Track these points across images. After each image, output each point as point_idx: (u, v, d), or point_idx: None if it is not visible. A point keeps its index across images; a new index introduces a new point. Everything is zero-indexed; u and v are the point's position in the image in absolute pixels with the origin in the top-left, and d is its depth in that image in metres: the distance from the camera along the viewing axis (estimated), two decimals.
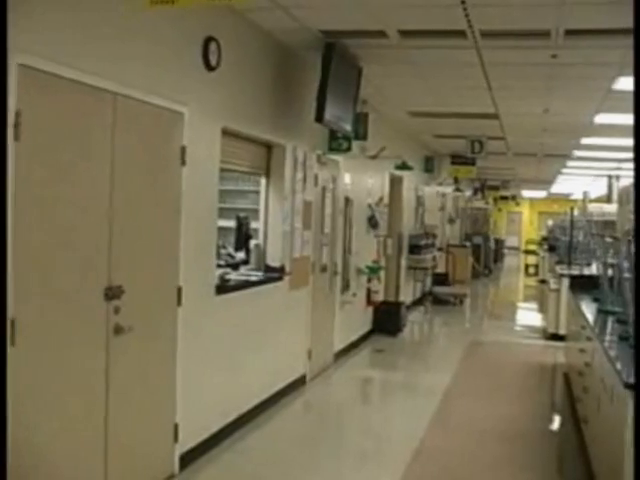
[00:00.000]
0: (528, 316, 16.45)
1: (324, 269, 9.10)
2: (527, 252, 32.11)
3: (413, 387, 9.15)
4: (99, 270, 4.51)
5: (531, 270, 25.98)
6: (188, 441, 5.65)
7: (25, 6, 3.76)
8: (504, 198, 34.34)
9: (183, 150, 5.36)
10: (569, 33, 6.30)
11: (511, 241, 39.49)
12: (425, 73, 8.50)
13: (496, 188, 28.93)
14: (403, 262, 14.06)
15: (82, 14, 4.20)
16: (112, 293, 4.59)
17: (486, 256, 24.90)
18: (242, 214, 7.76)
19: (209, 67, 5.67)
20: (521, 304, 19.06)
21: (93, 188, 4.43)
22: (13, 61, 3.68)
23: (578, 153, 15.61)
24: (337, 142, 8.74)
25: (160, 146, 5.18)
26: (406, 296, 14.17)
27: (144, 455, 5.13)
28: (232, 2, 3.28)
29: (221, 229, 6.80)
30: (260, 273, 7.32)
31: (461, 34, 6.54)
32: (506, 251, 35.39)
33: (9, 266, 3.71)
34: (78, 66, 4.17)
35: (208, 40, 5.62)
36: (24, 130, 3.77)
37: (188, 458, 5.65)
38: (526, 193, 36.06)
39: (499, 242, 31.40)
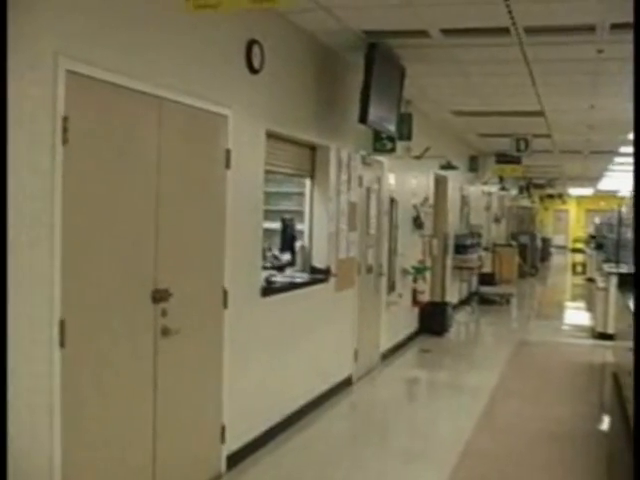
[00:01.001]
0: (576, 315, 16.26)
1: (370, 270, 9.09)
2: (574, 250, 31.81)
3: (460, 387, 9.09)
4: (146, 273, 4.55)
5: (578, 269, 25.68)
6: (235, 442, 5.68)
7: (71, 14, 3.81)
8: (550, 196, 34.03)
9: (228, 153, 5.39)
10: (615, 27, 6.23)
11: (558, 239, 39.11)
12: (469, 71, 8.45)
13: (542, 186, 28.66)
14: (449, 262, 14.00)
15: (128, 20, 4.25)
16: (159, 296, 4.63)
17: (533, 255, 24.69)
18: (287, 216, 7.80)
19: (252, 70, 5.69)
20: (569, 303, 18.85)
21: (139, 191, 4.48)
22: (61, 67, 3.74)
23: (625, 149, 15.41)
24: (381, 143, 8.72)
25: (205, 149, 5.21)
26: (452, 296, 14.10)
27: (191, 456, 5.16)
28: (275, 5, 3.29)
29: (267, 231, 6.82)
30: (306, 275, 7.33)
31: (504, 31, 6.50)
32: (553, 250, 35.06)
33: (57, 269, 3.77)
34: (124, 71, 4.22)
35: (251, 43, 5.65)
36: (71, 135, 3.82)
37: (235, 459, 5.68)
38: (573, 191, 35.67)
39: (546, 241, 31.12)
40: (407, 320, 11.24)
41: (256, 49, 5.71)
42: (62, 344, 3.83)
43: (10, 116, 3.44)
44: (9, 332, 3.44)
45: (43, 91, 3.68)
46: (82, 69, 3.90)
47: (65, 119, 3.79)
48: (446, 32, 6.65)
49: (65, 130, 3.79)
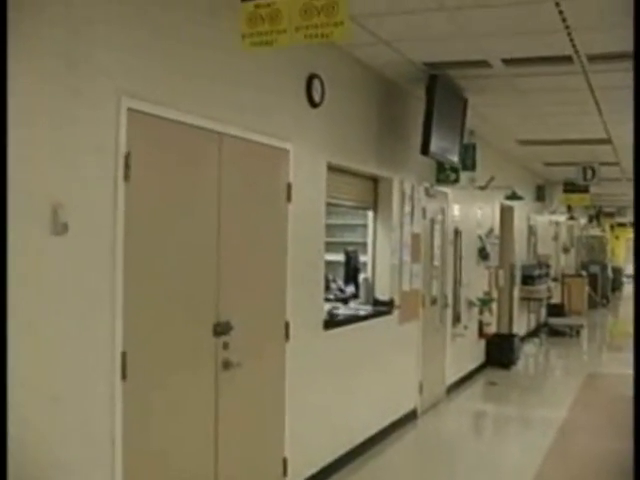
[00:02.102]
0: None
1: (434, 302, 9.02)
2: None
3: (527, 421, 8.93)
4: (208, 306, 4.59)
5: None
6: (297, 475, 5.65)
7: (132, 54, 3.90)
8: (621, 225, 33.42)
9: (289, 187, 5.42)
10: None
11: (630, 269, 38.27)
12: (532, 100, 8.38)
13: (612, 215, 28.20)
14: (516, 293, 13.83)
15: (187, 58, 4.32)
16: (221, 329, 4.66)
17: (603, 285, 24.21)
18: (350, 248, 7.81)
19: (313, 104, 5.73)
20: None
21: (201, 225, 4.53)
22: (123, 106, 3.82)
23: None
24: (445, 174, 8.68)
25: (266, 183, 5.25)
26: (520, 328, 13.90)
27: None
28: (328, 40, 3.32)
29: (331, 263, 6.81)
30: (369, 307, 7.30)
31: (567, 59, 6.45)
32: (625, 279, 34.33)
33: (120, 301, 3.83)
34: (184, 108, 4.28)
35: (311, 77, 5.69)
36: (133, 171, 3.89)
37: None
38: None
39: (617, 270, 30.52)
40: (473, 352, 11.10)
41: (316, 83, 5.75)
42: (124, 376, 3.87)
43: (73, 154, 3.53)
44: (75, 366, 3.51)
45: (106, 129, 3.76)
46: (143, 107, 3.98)
47: (127, 156, 3.86)
48: (507, 62, 6.61)
49: (127, 167, 3.86)
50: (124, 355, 3.87)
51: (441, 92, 6.88)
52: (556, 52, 6.27)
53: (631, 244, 39.90)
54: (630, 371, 12.50)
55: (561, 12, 5.22)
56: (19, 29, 3.18)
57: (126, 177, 3.86)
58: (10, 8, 3.03)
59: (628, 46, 6.04)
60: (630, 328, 19.89)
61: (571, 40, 5.86)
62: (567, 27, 5.54)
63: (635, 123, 4.64)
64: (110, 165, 3.79)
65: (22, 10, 3.20)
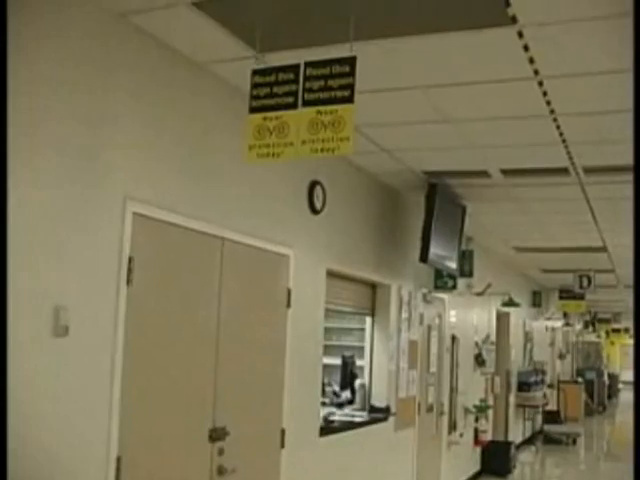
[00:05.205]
0: None
1: (430, 409, 8.93)
2: None
3: None
4: (204, 411, 4.54)
5: None
6: None
7: (138, 160, 3.97)
8: (616, 330, 33.37)
9: (289, 292, 5.44)
10: None
11: (626, 375, 37.97)
12: (530, 209, 8.49)
13: (607, 321, 28.19)
14: (512, 400, 13.72)
15: (192, 165, 4.39)
16: (216, 435, 4.60)
17: (600, 392, 24.04)
18: (347, 352, 7.77)
19: (314, 211, 5.79)
20: None
21: (200, 330, 4.52)
22: (128, 210, 3.86)
23: None
24: (442, 280, 8.72)
25: (266, 288, 5.26)
26: (515, 435, 13.74)
27: None
28: (333, 154, 3.39)
29: (327, 366, 6.77)
30: (365, 413, 7.23)
31: (564, 171, 6.56)
32: (621, 386, 34.06)
33: (116, 405, 3.79)
34: (187, 213, 4.33)
35: (313, 184, 5.77)
36: (136, 275, 3.91)
37: None
38: None
39: (613, 377, 30.31)
40: (469, 460, 10.94)
41: (318, 190, 5.83)
42: None
43: (76, 256, 3.55)
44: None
45: (110, 233, 3.79)
46: (148, 211, 4.02)
47: (130, 260, 3.89)
48: (506, 172, 6.73)
49: (130, 271, 3.88)
50: (119, 460, 3.82)
51: (440, 200, 6.97)
52: (553, 164, 6.39)
53: (627, 350, 39.80)
54: None
55: (558, 127, 5.34)
56: (29, 122, 3.26)
57: (128, 281, 3.88)
58: (21, 100, 3.12)
59: (622, 159, 6.19)
60: (629, 436, 19.66)
61: (568, 153, 5.98)
62: (564, 141, 5.66)
63: (635, 133, 4.70)
64: (113, 268, 3.80)
65: (40, 107, 3.30)
